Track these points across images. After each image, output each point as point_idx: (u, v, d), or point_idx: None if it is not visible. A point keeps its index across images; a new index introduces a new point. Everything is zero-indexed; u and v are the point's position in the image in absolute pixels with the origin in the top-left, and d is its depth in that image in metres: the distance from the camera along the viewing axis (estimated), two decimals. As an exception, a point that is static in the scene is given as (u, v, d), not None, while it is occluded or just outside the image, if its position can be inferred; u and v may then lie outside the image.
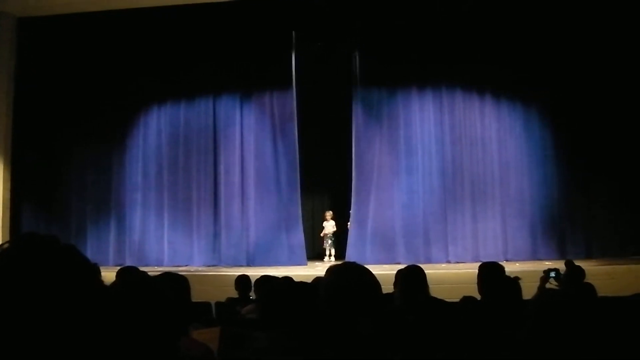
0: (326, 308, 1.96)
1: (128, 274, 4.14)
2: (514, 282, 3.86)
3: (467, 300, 4.21)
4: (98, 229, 12.26)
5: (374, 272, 2.06)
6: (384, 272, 6.12)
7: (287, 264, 11.36)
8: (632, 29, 10.90)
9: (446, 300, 3.98)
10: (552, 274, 5.66)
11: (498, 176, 11.93)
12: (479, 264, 4.58)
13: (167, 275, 3.17)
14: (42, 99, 12.14)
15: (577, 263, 6.39)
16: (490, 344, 2.68)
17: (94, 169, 12.38)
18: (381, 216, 11.80)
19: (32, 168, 12.20)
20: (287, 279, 3.53)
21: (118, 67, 12.10)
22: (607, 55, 11.25)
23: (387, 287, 3.75)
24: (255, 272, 7.21)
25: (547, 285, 5.50)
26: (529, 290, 3.77)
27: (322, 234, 12.61)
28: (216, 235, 12.03)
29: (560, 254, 11.03)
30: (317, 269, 9.87)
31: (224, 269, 11.05)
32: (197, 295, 3.64)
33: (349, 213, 11.96)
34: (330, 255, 12.45)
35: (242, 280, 6.25)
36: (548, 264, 7.52)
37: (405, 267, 4.19)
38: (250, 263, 11.62)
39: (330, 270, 2.10)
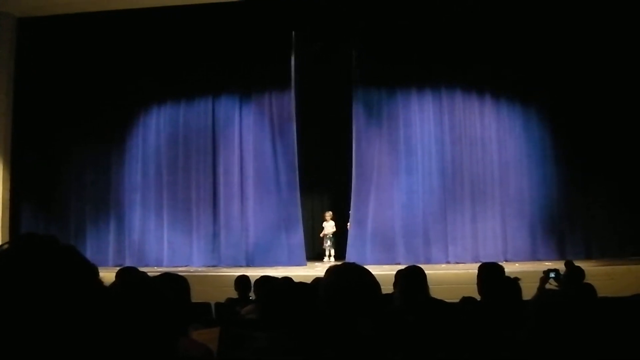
0: (326, 308, 1.96)
1: (128, 275, 4.15)
2: (514, 282, 3.86)
3: (466, 300, 4.22)
4: (97, 229, 12.25)
5: (373, 273, 2.06)
6: (384, 272, 6.12)
7: (287, 264, 11.36)
8: (632, 29, 10.90)
9: (446, 300, 3.99)
10: (552, 275, 5.66)
11: (498, 176, 11.94)
12: (478, 264, 4.58)
13: (166, 275, 3.17)
14: (41, 99, 12.14)
15: (577, 263, 6.39)
16: (490, 345, 2.68)
17: (94, 169, 12.37)
18: (381, 216, 11.80)
19: (32, 168, 12.19)
20: (287, 280, 3.53)
21: (117, 68, 12.10)
22: (607, 56, 11.25)
23: (387, 288, 3.76)
24: (254, 273, 7.20)
25: (547, 286, 5.50)
26: (528, 291, 3.77)
27: (321, 235, 12.62)
28: (215, 235, 12.03)
29: (560, 255, 11.03)
30: (317, 270, 9.86)
31: (224, 270, 11.04)
32: (196, 296, 3.64)
33: (349, 213, 11.97)
34: (329, 255, 12.46)
35: (242, 280, 6.25)
36: (548, 265, 7.52)
37: (405, 268, 4.19)
38: (249, 263, 11.61)
39: (329, 270, 2.10)
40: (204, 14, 11.35)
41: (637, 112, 11.25)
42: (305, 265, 11.59)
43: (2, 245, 1.02)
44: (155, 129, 12.49)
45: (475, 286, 4.24)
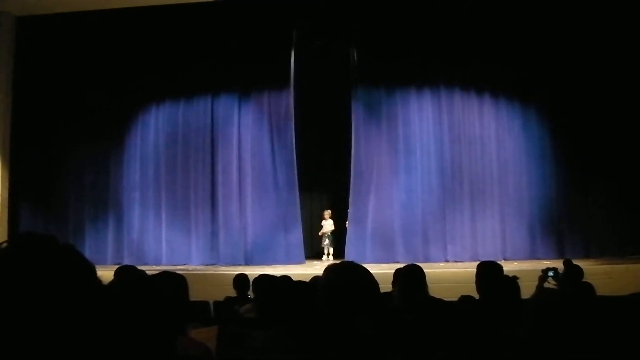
0: (324, 307, 1.96)
1: (126, 273, 4.14)
2: (512, 281, 3.86)
3: (465, 299, 4.22)
4: (96, 227, 12.24)
5: (372, 271, 2.06)
6: (383, 271, 6.13)
7: (286, 262, 11.36)
8: (631, 29, 10.90)
9: (445, 299, 3.99)
10: (551, 273, 5.65)
11: (497, 175, 11.94)
12: (477, 263, 4.58)
13: (165, 274, 3.17)
14: (40, 98, 12.13)
15: (576, 262, 6.39)
16: (489, 343, 2.68)
17: (93, 167, 12.37)
18: (380, 215, 11.81)
19: (31, 167, 12.19)
20: (286, 278, 3.53)
21: (117, 66, 12.08)
22: (606, 55, 11.25)
23: (386, 286, 3.75)
24: (253, 271, 7.19)
25: (546, 285, 5.50)
26: (527, 290, 3.76)
27: (320, 233, 12.63)
28: (214, 234, 12.03)
29: (559, 253, 11.04)
30: (316, 268, 9.88)
31: (222, 268, 11.05)
32: (195, 294, 3.64)
33: (348, 212, 11.97)
34: (328, 254, 12.48)
35: (241, 279, 6.25)
36: (546, 263, 7.52)
37: (404, 267, 4.19)
38: (248, 262, 11.61)
39: (328, 269, 2.10)
40: (203, 12, 11.34)
41: (636, 112, 11.25)
42: (304, 263, 11.59)
43: (0, 244, 1.03)
44: (154, 128, 12.49)
45: (474, 285, 4.24)
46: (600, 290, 4.67)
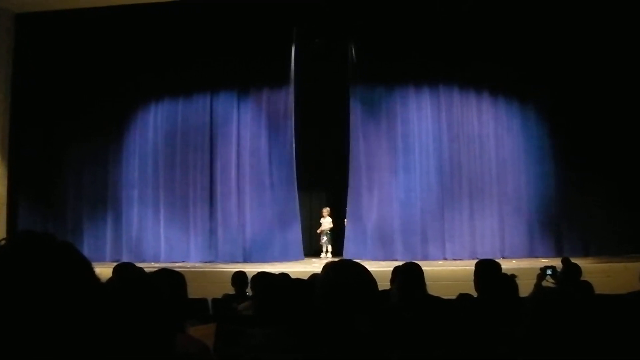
0: (323, 305, 1.96)
1: (125, 270, 4.13)
2: (511, 279, 3.87)
3: (463, 297, 4.22)
4: (95, 225, 12.25)
5: (370, 269, 2.06)
6: (381, 268, 6.13)
7: (284, 260, 11.37)
8: (631, 28, 10.89)
9: (443, 297, 3.99)
10: (549, 272, 5.66)
11: (495, 174, 11.95)
12: (475, 261, 4.58)
13: (163, 271, 3.16)
14: (39, 96, 12.12)
15: (574, 261, 6.40)
16: (487, 341, 2.68)
17: (91, 165, 12.37)
18: (379, 213, 11.81)
19: (30, 164, 12.18)
20: (284, 276, 3.53)
21: (115, 64, 12.07)
22: (606, 54, 11.24)
23: (384, 284, 3.76)
24: (251, 269, 7.19)
25: (544, 283, 5.51)
26: (525, 288, 3.77)
27: (318, 231, 12.64)
28: (213, 231, 12.04)
29: (557, 252, 11.04)
30: (314, 266, 9.87)
31: (221, 265, 11.06)
32: (193, 292, 3.63)
33: (346, 210, 11.98)
34: (327, 251, 12.48)
35: (239, 276, 6.24)
36: (545, 262, 7.51)
37: (403, 264, 4.18)
38: (246, 259, 11.62)
39: (326, 266, 2.10)
40: (202, 9, 11.32)
41: (636, 111, 11.25)
42: (303, 261, 11.59)
43: (-1, 241, 1.02)
44: (152, 126, 12.48)
45: (472, 283, 4.24)
46: (599, 289, 4.69)
